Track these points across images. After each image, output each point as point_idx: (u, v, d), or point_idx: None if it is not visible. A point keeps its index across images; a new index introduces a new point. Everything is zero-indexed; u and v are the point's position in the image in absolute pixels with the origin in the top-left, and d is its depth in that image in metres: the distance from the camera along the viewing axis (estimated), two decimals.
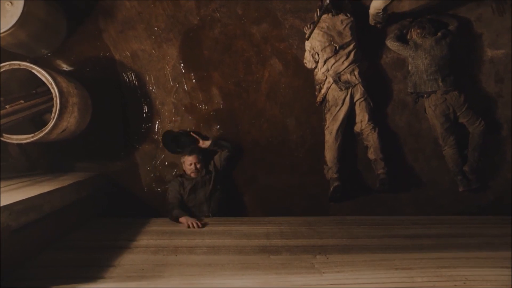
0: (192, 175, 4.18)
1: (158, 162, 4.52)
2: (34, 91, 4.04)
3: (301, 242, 3.24)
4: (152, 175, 4.52)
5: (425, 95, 4.41)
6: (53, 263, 2.74)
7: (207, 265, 2.74)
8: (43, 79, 3.60)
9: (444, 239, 3.36)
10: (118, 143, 4.51)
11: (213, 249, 3.05)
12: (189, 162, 4.18)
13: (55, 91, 3.59)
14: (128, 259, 2.82)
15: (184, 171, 4.26)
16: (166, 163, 4.52)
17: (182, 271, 2.62)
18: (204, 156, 4.31)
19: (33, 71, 3.61)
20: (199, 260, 2.83)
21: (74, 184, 3.55)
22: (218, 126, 4.51)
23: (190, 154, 4.20)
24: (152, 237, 3.37)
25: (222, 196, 4.25)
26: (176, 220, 3.80)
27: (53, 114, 3.61)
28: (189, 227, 3.62)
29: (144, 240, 3.26)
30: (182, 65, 4.50)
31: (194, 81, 4.51)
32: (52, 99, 3.61)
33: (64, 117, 3.74)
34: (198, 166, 4.19)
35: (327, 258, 2.87)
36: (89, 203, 3.93)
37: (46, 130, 3.61)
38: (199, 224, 3.65)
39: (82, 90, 4.21)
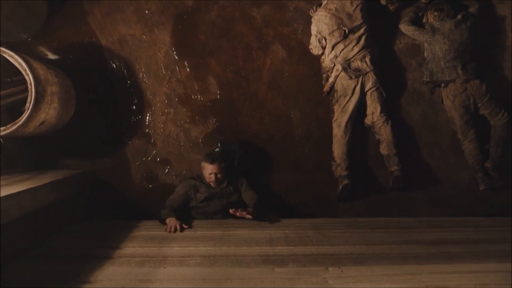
0: (212, 184, 3.71)
1: (150, 158, 4.13)
2: (9, 79, 3.63)
3: (310, 250, 2.83)
4: (143, 173, 4.12)
5: (443, 85, 4.04)
6: (22, 276, 2.34)
7: (200, 280, 2.34)
8: (16, 64, 3.20)
9: (473, 245, 2.95)
10: (105, 138, 4.11)
11: (208, 259, 2.65)
12: (209, 171, 3.67)
13: (29, 78, 3.18)
14: (108, 273, 2.41)
15: (203, 175, 3.78)
16: (158, 159, 4.13)
17: None
18: (228, 162, 3.89)
19: (4, 55, 3.19)
20: (191, 274, 2.42)
21: (51, 183, 3.13)
22: (215, 119, 4.12)
23: (212, 162, 3.68)
24: (139, 243, 2.96)
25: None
26: (162, 221, 3.41)
27: (27, 104, 3.20)
28: (170, 231, 3.24)
29: (129, 248, 2.86)
30: (175, 51, 4.10)
31: (188, 69, 4.11)
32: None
33: (41, 108, 3.33)
34: (219, 176, 3.69)
35: (342, 272, 2.46)
36: (70, 204, 3.53)
37: (20, 123, 3.20)
38: (178, 227, 3.26)
39: (64, 78, 3.80)
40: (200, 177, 3.78)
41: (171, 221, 3.32)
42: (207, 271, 2.47)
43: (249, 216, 3.37)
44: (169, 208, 3.53)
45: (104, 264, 2.53)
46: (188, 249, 2.84)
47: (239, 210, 3.38)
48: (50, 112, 3.48)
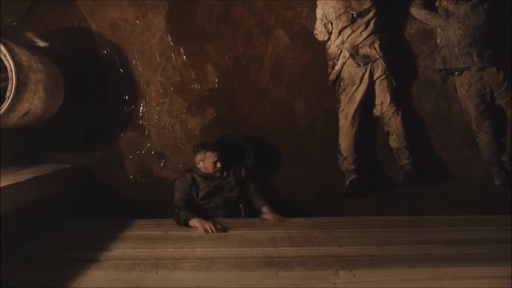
0: (216, 173, 3.43)
1: (144, 151, 3.88)
2: None
3: (317, 251, 2.58)
4: (137, 167, 3.87)
5: (457, 73, 3.79)
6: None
7: (196, 285, 2.09)
8: None
9: (493, 246, 2.70)
10: (96, 130, 3.85)
11: (205, 262, 2.39)
12: (213, 159, 3.40)
13: (10, 64, 2.92)
14: (92, 279, 2.15)
15: (199, 169, 3.48)
16: (153, 153, 3.88)
17: None
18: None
19: None
20: (185, 278, 2.17)
21: (34, 179, 2.88)
22: (213, 110, 3.86)
23: (214, 150, 3.42)
24: (130, 245, 2.71)
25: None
26: (185, 224, 3.11)
27: (8, 93, 2.94)
28: (206, 231, 2.96)
29: (119, 250, 2.60)
30: (170, 37, 3.83)
31: (184, 56, 3.85)
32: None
33: (24, 97, 3.07)
34: (218, 164, 3.42)
35: (354, 276, 2.21)
36: (57, 202, 3.28)
37: (0, 113, 2.94)
38: (216, 227, 2.99)
39: (51, 66, 3.55)
40: (195, 170, 3.51)
41: (202, 222, 3.02)
42: (203, 275, 2.22)
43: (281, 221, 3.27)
44: (184, 208, 3.23)
45: (89, 268, 2.28)
46: (183, 250, 2.59)
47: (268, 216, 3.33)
48: (34, 102, 3.23)
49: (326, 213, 3.76)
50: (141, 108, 3.87)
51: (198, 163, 3.45)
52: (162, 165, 3.87)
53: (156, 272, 2.25)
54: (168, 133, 3.87)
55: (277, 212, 3.37)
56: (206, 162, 3.42)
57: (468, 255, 2.53)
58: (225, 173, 3.48)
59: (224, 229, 3.03)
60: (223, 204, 3.44)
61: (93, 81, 3.83)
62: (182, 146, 3.86)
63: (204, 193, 3.39)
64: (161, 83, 3.85)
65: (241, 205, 3.53)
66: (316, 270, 2.29)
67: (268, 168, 3.91)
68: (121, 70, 3.85)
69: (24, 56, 3.12)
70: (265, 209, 3.40)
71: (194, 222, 3.05)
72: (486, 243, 2.77)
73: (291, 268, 2.32)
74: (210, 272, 2.26)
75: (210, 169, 3.42)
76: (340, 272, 2.26)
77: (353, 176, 3.70)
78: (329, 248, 2.66)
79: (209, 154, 3.41)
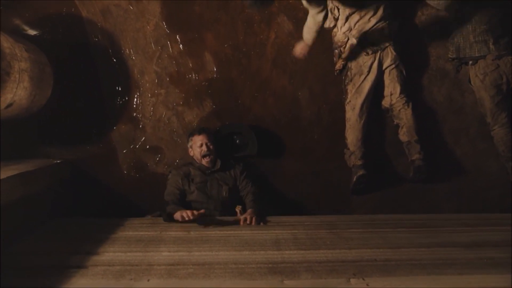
0: (205, 161, 3.27)
1: (138, 145, 3.66)
2: None
3: (325, 255, 2.36)
4: (131, 162, 3.65)
5: (471, 62, 3.55)
6: None
7: None
8: None
9: None
10: (88, 123, 3.63)
11: (202, 268, 2.17)
12: (199, 142, 3.27)
13: None
14: None
15: (194, 158, 3.35)
16: (148, 147, 3.66)
17: None
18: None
19: None
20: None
21: (17, 176, 2.66)
22: (212, 101, 3.64)
23: (200, 132, 3.31)
24: (121, 247, 2.49)
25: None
26: (170, 219, 2.93)
27: None
28: (184, 220, 2.82)
29: (108, 254, 2.38)
30: (166, 24, 3.59)
31: (181, 44, 3.61)
32: None
33: (6, 87, 2.84)
34: (211, 147, 3.28)
35: (367, 285, 1.99)
36: (43, 200, 3.05)
37: None
38: (194, 212, 2.81)
39: (38, 54, 3.32)
40: (191, 163, 3.34)
41: (183, 212, 2.86)
42: (200, 284, 2.00)
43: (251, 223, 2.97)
44: (172, 203, 3.08)
45: (74, 276, 2.06)
46: (179, 254, 2.37)
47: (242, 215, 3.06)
48: (19, 93, 2.99)
49: (332, 211, 3.58)
50: (135, 99, 3.64)
51: (190, 152, 3.35)
52: (157, 160, 3.66)
53: (148, 280, 2.03)
54: (164, 126, 3.65)
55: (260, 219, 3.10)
56: (194, 148, 3.31)
57: (491, 259, 2.31)
58: (218, 163, 3.30)
59: (223, 229, 2.81)
60: (221, 207, 3.24)
61: (83, 71, 3.59)
62: (178, 140, 3.64)
63: (197, 187, 3.21)
64: (156, 73, 3.62)
65: (239, 207, 3.29)
66: (325, 278, 2.07)
67: (271, 162, 3.70)
68: (113, 59, 3.61)
69: (6, 43, 2.88)
70: (249, 211, 3.12)
71: (177, 215, 2.89)
72: (508, 245, 2.54)
73: (297, 275, 2.10)
74: (208, 281, 2.04)
75: (198, 155, 3.27)
76: (352, 280, 2.04)
77: (360, 172, 3.48)
78: (337, 251, 2.44)
79: (195, 137, 3.31)
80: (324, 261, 2.28)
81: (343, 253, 2.41)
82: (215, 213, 3.21)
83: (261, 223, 2.99)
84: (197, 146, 3.29)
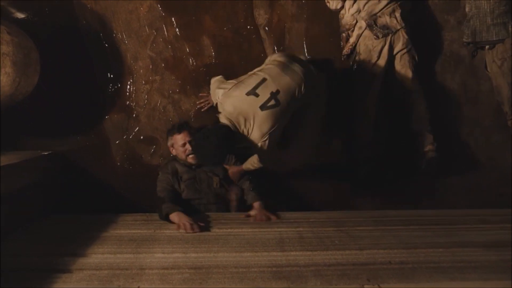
0: (191, 160, 3.02)
1: (132, 136, 3.45)
2: None
3: (334, 257, 2.15)
4: (124, 154, 3.44)
5: (488, 46, 3.32)
6: None
7: None
8: None
9: None
10: (78, 112, 3.40)
11: (199, 272, 1.96)
12: (181, 142, 3.02)
13: None
14: None
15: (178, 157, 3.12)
16: (142, 137, 3.45)
17: None
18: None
19: None
20: None
21: None
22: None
23: (179, 130, 3.04)
24: (111, 248, 2.28)
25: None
26: (166, 218, 2.70)
27: None
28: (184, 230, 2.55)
29: (97, 255, 2.17)
30: (161, 6, 3.36)
31: (177, 27, 3.39)
32: None
33: None
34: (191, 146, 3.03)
35: None
36: (29, 196, 2.83)
37: None
38: (194, 227, 2.54)
39: (22, 38, 3.07)
40: (175, 159, 3.13)
41: (182, 218, 2.60)
42: None
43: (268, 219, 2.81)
44: (168, 200, 2.84)
45: (55, 281, 1.85)
46: (173, 256, 2.16)
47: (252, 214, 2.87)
48: (0, 79, 2.77)
49: (337, 206, 3.36)
50: (128, 87, 3.42)
51: (172, 151, 3.13)
52: (152, 152, 3.44)
53: (138, 287, 1.82)
54: (159, 115, 3.44)
55: (268, 210, 2.90)
56: (176, 147, 3.07)
57: None
58: None
59: (222, 227, 2.61)
60: (215, 200, 3.02)
61: (73, 57, 3.37)
62: None
63: (186, 185, 3.00)
64: (150, 58, 3.40)
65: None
66: (336, 284, 1.86)
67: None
68: (105, 43, 3.40)
69: None
70: (256, 205, 2.92)
71: (174, 217, 2.65)
72: None
73: (304, 281, 1.89)
74: (205, 287, 1.83)
75: (182, 155, 3.03)
76: (366, 287, 1.83)
77: (369, 164, 3.27)
78: (348, 252, 2.23)
79: (175, 136, 3.06)
80: (334, 264, 2.07)
81: (353, 255, 2.20)
82: (211, 208, 3.00)
83: (272, 217, 2.82)
84: (180, 146, 3.04)
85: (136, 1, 3.35)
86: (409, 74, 3.27)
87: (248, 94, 2.60)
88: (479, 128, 3.52)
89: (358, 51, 3.29)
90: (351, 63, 3.36)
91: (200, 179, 3.03)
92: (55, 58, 3.30)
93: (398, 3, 3.22)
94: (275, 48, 3.40)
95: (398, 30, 3.21)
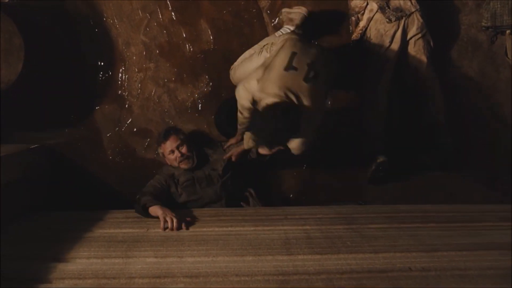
0: (183, 166, 2.84)
1: (124, 128, 3.23)
2: None
3: (347, 263, 1.93)
4: (116, 147, 3.23)
5: (508, 31, 3.13)
6: None
7: None
8: None
9: None
10: (66, 102, 3.18)
11: (195, 281, 1.75)
12: (168, 149, 2.85)
13: None
14: None
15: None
16: (135, 129, 3.23)
17: None
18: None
19: None
20: None
21: None
22: (208, 76, 3.20)
23: (165, 138, 2.87)
24: (98, 251, 2.05)
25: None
26: (144, 211, 2.49)
27: None
28: (166, 228, 2.33)
29: (81, 260, 1.95)
30: None
31: (173, 10, 3.16)
32: None
33: None
34: (183, 150, 2.84)
35: None
36: (13, 192, 2.61)
37: None
38: (179, 223, 2.33)
39: (4, 22, 2.86)
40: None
41: (165, 212, 2.38)
42: None
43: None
44: (150, 194, 2.62)
45: None
46: (167, 261, 1.94)
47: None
48: None
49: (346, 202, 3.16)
50: (120, 75, 3.21)
51: (166, 161, 2.96)
52: (146, 145, 3.23)
53: None
54: (154, 106, 3.22)
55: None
56: (166, 156, 2.90)
57: None
58: (195, 161, 2.87)
59: (222, 226, 2.39)
60: (218, 197, 2.83)
61: (60, 43, 3.16)
62: (171, 121, 3.21)
63: (185, 187, 2.83)
64: (144, 44, 3.18)
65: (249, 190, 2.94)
66: None
67: None
68: (95, 28, 3.17)
69: None
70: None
71: (155, 209, 2.43)
72: None
73: None
74: None
75: (174, 162, 2.85)
76: None
77: (381, 159, 3.05)
78: (361, 256, 2.00)
79: (163, 146, 2.90)
80: (347, 271, 1.85)
81: (368, 259, 1.97)
82: (214, 206, 2.82)
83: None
84: (168, 154, 2.87)
85: None
86: (424, 60, 3.06)
87: (286, 69, 2.42)
88: (497, 118, 3.32)
89: (369, 35, 3.07)
90: (360, 48, 3.12)
91: (198, 178, 2.84)
92: (40, 44, 3.08)
93: None
94: None
95: (413, 12, 2.99)
